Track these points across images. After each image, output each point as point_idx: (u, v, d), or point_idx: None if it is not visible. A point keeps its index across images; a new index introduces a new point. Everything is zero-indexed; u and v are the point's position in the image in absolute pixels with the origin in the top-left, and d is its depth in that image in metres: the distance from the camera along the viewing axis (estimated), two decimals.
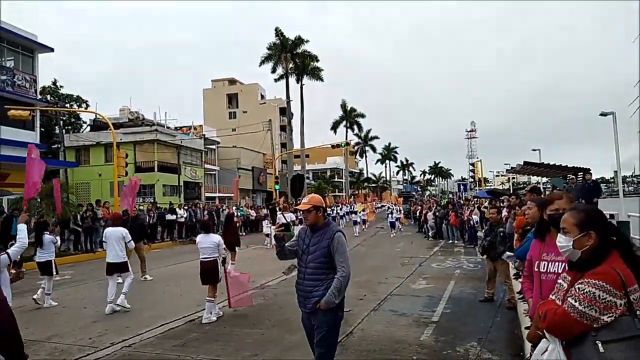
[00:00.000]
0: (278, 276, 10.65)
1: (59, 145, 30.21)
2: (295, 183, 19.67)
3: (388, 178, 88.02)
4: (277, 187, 32.77)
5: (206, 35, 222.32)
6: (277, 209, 19.12)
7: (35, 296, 8.25)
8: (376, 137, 69.65)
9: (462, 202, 23.93)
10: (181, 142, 37.16)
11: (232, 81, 66.72)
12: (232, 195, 43.94)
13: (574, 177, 17.21)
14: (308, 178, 51.48)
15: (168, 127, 39.76)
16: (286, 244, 3.81)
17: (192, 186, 39.05)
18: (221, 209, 24.89)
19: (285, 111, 46.32)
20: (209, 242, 7.17)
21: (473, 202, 20.81)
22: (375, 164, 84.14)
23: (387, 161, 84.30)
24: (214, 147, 45.22)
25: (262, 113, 52.24)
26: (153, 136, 34.31)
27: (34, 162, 6.61)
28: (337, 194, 64.40)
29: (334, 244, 3.55)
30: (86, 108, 37.94)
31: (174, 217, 21.08)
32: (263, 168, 50.39)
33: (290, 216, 15.20)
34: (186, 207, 22.73)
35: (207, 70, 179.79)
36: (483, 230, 9.84)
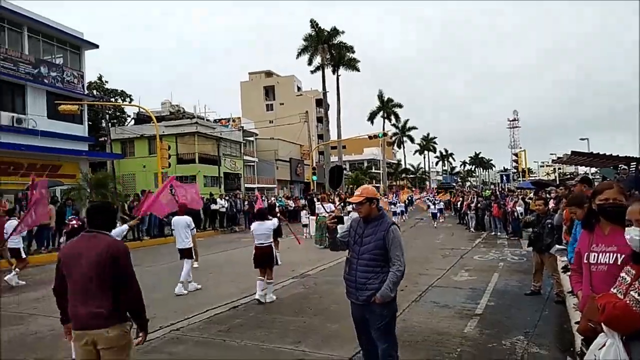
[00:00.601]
0: (317, 266, 10.80)
1: (106, 138, 31.48)
2: (334, 174, 19.64)
3: (427, 169, 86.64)
4: (314, 178, 32.89)
5: (241, 29, 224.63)
6: (316, 199, 19.22)
7: None
8: (414, 128, 68.62)
9: (505, 193, 23.21)
10: (220, 134, 37.88)
11: (269, 73, 67.24)
12: (274, 186, 44.66)
13: (625, 167, 16.34)
14: (345, 169, 51.38)
15: (208, 120, 40.62)
16: (337, 236, 3.76)
17: (232, 177, 39.82)
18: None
19: (321, 102, 46.24)
20: (264, 229, 7.49)
21: (517, 193, 20.14)
22: (414, 154, 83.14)
23: (426, 152, 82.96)
24: (252, 138, 45.86)
25: (298, 105, 52.44)
26: (193, 129, 35.13)
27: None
28: (374, 185, 64.05)
29: (389, 236, 3.51)
30: (130, 102, 39.27)
31: (216, 207, 21.60)
32: (300, 159, 50.70)
33: (330, 206, 15.19)
34: (227, 198, 23.22)
35: (243, 63, 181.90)
36: (526, 217, 9.52)
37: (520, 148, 74.11)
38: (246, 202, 23.75)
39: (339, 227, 3.80)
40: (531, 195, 17.48)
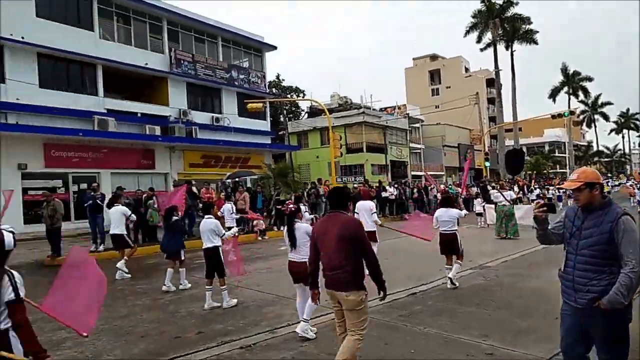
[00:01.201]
0: (497, 257, 10.13)
1: (284, 132, 34.69)
2: (510, 158, 18.13)
3: (627, 151, 73.75)
4: (487, 164, 30.86)
5: (403, 15, 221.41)
6: (490, 187, 18.06)
7: None
8: (609, 103, 58.99)
9: None
10: (386, 122, 38.27)
11: (434, 57, 65.19)
12: (441, 174, 43.51)
13: None
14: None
15: (374, 109, 41.40)
16: (549, 227, 3.24)
17: (398, 165, 39.94)
18: (430, 188, 24.83)
19: (492, 82, 43.06)
20: (449, 216, 7.47)
21: None
22: (609, 134, 71.46)
23: (625, 130, 70.61)
24: (418, 125, 45.22)
25: (466, 87, 49.66)
26: (361, 119, 36.21)
27: None
28: (558, 170, 57.33)
29: (618, 229, 2.87)
30: (303, 97, 42.38)
31: (386, 194, 21.97)
32: (470, 144, 48.18)
33: (510, 194, 14.11)
34: (396, 185, 23.40)
35: (408, 49, 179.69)
36: None
37: None
38: (415, 190, 23.59)
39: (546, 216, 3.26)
40: None
